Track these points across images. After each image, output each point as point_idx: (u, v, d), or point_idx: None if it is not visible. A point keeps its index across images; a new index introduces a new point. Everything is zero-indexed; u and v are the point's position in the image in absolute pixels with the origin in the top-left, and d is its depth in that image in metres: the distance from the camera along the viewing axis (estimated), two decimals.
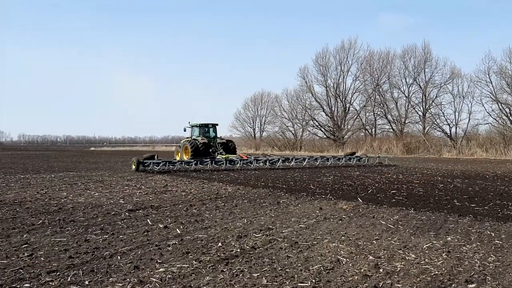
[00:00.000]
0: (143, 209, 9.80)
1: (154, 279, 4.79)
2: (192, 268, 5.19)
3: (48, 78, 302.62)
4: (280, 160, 25.58)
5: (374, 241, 6.78)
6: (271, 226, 7.80)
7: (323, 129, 64.73)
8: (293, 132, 68.33)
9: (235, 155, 27.39)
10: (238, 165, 24.08)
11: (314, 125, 65.20)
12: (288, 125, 69.09)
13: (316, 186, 14.79)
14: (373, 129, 61.86)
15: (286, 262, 5.53)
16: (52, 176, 18.74)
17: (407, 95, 57.77)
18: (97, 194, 12.45)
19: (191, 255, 5.81)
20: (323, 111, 64.24)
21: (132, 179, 17.33)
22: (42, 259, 5.62)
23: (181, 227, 7.72)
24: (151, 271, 5.08)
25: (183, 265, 5.31)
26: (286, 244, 6.48)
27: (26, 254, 5.83)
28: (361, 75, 61.49)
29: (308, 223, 8.15)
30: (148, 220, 8.39)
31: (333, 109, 63.48)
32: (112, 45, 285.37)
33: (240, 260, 5.61)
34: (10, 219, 8.50)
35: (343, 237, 7.02)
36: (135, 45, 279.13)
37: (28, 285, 4.61)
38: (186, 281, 4.74)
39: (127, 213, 9.18)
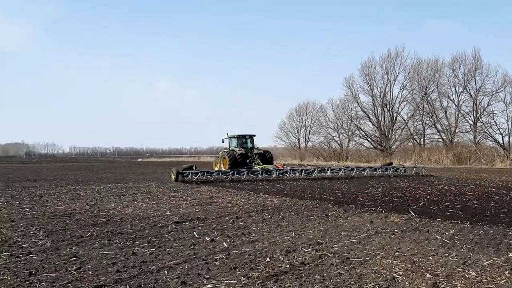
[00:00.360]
0: (189, 221, 9.73)
1: None
2: (240, 285, 5.02)
3: (97, 91, 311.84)
4: (316, 171, 25.51)
5: (430, 257, 6.42)
6: (320, 241, 7.53)
7: (369, 139, 63.53)
8: (338, 142, 67.41)
9: (272, 165, 27.63)
10: (274, 175, 24.03)
11: (361, 135, 64.12)
12: (333, 135, 68.22)
13: (365, 198, 14.38)
14: (422, 139, 60.17)
15: (338, 280, 5.27)
16: (101, 187, 19.08)
17: (456, 103, 55.98)
18: (144, 205, 12.50)
19: (239, 271, 5.63)
20: (370, 120, 63.16)
21: (179, 190, 17.40)
22: (90, 272, 5.58)
23: (228, 240, 7.58)
24: (198, 287, 4.93)
25: (231, 281, 5.14)
26: (337, 260, 6.21)
27: (74, 267, 5.82)
28: (408, 84, 60.10)
29: (359, 238, 7.84)
30: (194, 232, 8.29)
31: (379, 118, 62.30)
32: (157, 53, 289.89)
33: (290, 276, 5.39)
34: (60, 231, 8.59)
35: (397, 253, 6.69)
36: (179, 52, 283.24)
37: None
38: None
39: (173, 225, 9.13)
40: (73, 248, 7.01)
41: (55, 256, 6.52)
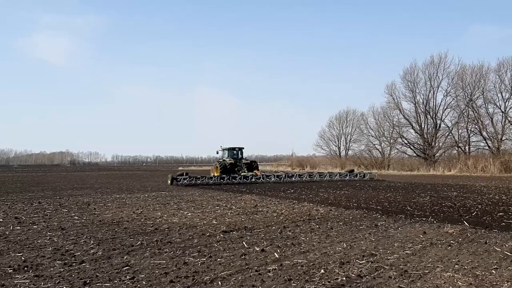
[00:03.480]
0: (236, 230, 9.64)
1: None
2: None
3: (138, 101, 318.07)
4: (285, 176, 33.00)
5: (493, 271, 6.10)
6: (374, 252, 7.29)
7: (412, 147, 62.09)
8: (380, 150, 66.28)
9: (251, 172, 33.36)
10: (253, 179, 30.80)
11: (403, 142, 62.68)
12: (375, 143, 67.10)
13: (413, 207, 13.96)
14: (467, 147, 58.35)
15: None
16: (146, 195, 19.27)
17: (503, 110, 54.04)
18: (189, 214, 12.51)
19: (293, 283, 5.48)
20: (412, 128, 61.66)
21: (222, 199, 17.39)
22: (144, 282, 5.54)
23: (279, 250, 7.43)
24: None
25: None
26: (394, 273, 5.97)
27: (128, 277, 5.79)
28: (452, 90, 58.40)
29: (414, 249, 7.55)
30: (244, 242, 8.18)
31: (422, 126, 60.74)
32: (197, 62, 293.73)
33: None
34: (110, 239, 8.65)
35: (456, 266, 6.39)
36: (220, 62, 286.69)
37: None
38: None
39: (221, 235, 9.05)
40: (125, 257, 7.02)
41: (108, 265, 6.53)
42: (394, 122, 63.05)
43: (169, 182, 28.40)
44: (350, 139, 75.80)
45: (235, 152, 37.37)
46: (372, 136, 67.34)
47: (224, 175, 30.47)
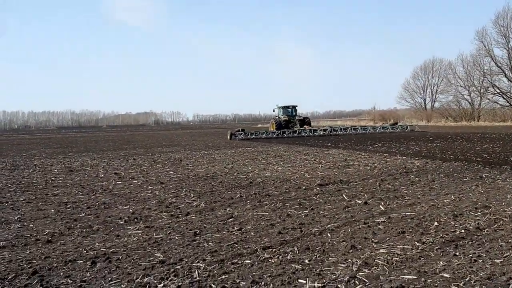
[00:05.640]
0: (332, 183, 9.43)
1: (379, 261, 4.31)
2: (418, 251, 4.60)
3: (217, 61, 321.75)
4: (331, 129, 36.34)
5: None
6: (487, 204, 6.82)
7: (505, 96, 58.12)
8: (469, 101, 62.52)
9: (301, 128, 36.76)
10: (301, 133, 34.32)
11: (495, 92, 58.78)
12: (463, 94, 63.32)
13: None
14: None
15: None
16: (232, 151, 19.50)
17: None
18: (280, 168, 12.45)
19: (408, 235, 5.21)
20: (505, 76, 57.43)
21: (309, 153, 17.21)
22: (252, 233, 5.51)
23: (382, 203, 7.15)
24: (371, 252, 4.61)
25: (405, 247, 4.75)
26: None
27: (235, 228, 5.80)
28: None
29: None
30: (343, 195, 7.97)
31: None
32: (275, 18, 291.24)
33: (470, 242, 4.86)
34: (209, 192, 8.76)
35: None
36: (296, 15, 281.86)
37: (249, 261, 4.46)
38: (417, 266, 4.17)
39: (318, 188, 8.89)
40: (227, 209, 7.06)
41: (213, 216, 6.58)
42: (485, 70, 59.07)
43: (228, 137, 31.80)
44: (437, 90, 72.16)
45: (289, 110, 41.37)
46: (461, 86, 63.48)
47: (274, 131, 34.69)
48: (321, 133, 34.89)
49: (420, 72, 74.44)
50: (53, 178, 11.56)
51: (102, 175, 11.99)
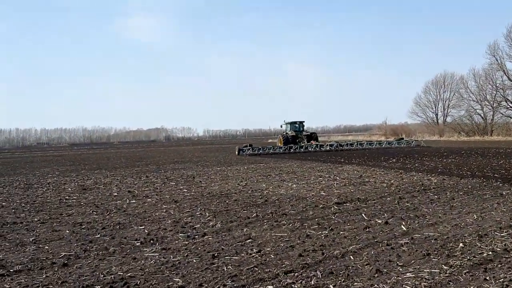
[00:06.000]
0: (349, 202, 9.27)
1: (407, 287, 4.15)
2: (446, 275, 4.43)
3: (229, 77, 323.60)
4: (338, 144, 36.19)
5: None
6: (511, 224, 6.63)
7: None
8: (482, 115, 61.80)
9: (308, 143, 37.15)
10: (308, 148, 34.62)
11: (508, 106, 58.16)
12: (476, 108, 62.49)
13: None
14: None
15: None
16: (245, 168, 19.39)
17: None
18: (294, 185, 12.31)
19: (434, 258, 5.04)
20: None
21: (323, 169, 17.04)
22: (272, 256, 5.37)
23: (404, 223, 6.97)
24: (397, 276, 4.45)
25: (433, 270, 4.58)
26: None
27: (254, 250, 5.66)
28: None
29: None
30: (362, 214, 7.80)
31: None
32: (285, 35, 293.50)
33: (499, 265, 4.69)
34: (224, 211, 8.64)
35: None
36: (307, 37, 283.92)
37: (271, 287, 4.32)
38: None
39: (335, 207, 8.73)
40: (244, 230, 6.93)
41: (230, 237, 6.46)
42: (498, 84, 58.33)
43: (236, 152, 32.41)
44: (449, 104, 71.45)
45: (296, 125, 42.03)
46: (473, 101, 62.62)
47: (281, 146, 35.44)
48: (327, 148, 35.25)
49: (431, 87, 73.87)
50: (67, 197, 11.51)
51: (116, 194, 11.92)
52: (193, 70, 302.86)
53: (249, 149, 32.78)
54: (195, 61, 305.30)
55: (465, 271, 4.53)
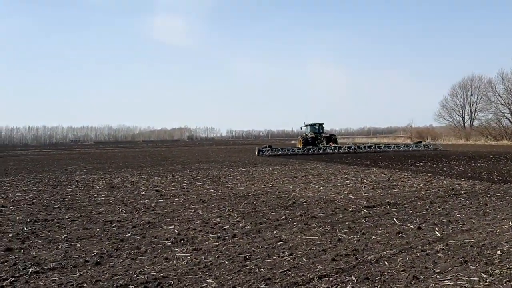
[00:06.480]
0: (379, 205, 9.15)
1: None
2: (486, 283, 4.32)
3: (250, 77, 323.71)
4: (356, 147, 37.01)
5: None
6: None
7: None
8: (510, 119, 60.58)
9: (327, 145, 38.30)
10: (326, 150, 35.53)
11: None
12: (504, 112, 61.36)
13: None
14: None
15: None
16: (270, 169, 19.35)
17: None
18: (321, 188, 12.21)
19: (471, 265, 4.92)
20: None
21: (349, 172, 16.89)
22: (304, 259, 5.31)
23: (437, 228, 6.84)
24: (435, 284, 4.35)
25: (471, 278, 4.47)
26: None
27: (286, 253, 5.60)
28: None
29: None
30: (394, 219, 7.68)
31: None
32: (308, 36, 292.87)
33: None
34: (252, 213, 8.61)
35: None
36: (330, 39, 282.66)
37: None
38: None
39: (365, 210, 8.62)
40: (274, 232, 6.88)
41: (260, 239, 6.42)
42: None
43: (256, 153, 33.19)
44: (476, 108, 70.27)
45: (316, 127, 42.98)
46: (501, 104, 61.41)
47: (300, 147, 36.13)
48: (346, 150, 35.91)
49: (458, 90, 72.74)
50: (96, 195, 11.63)
51: (144, 192, 12.00)
52: (217, 71, 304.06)
53: (268, 150, 33.42)
54: (218, 62, 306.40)
55: (506, 279, 4.41)
